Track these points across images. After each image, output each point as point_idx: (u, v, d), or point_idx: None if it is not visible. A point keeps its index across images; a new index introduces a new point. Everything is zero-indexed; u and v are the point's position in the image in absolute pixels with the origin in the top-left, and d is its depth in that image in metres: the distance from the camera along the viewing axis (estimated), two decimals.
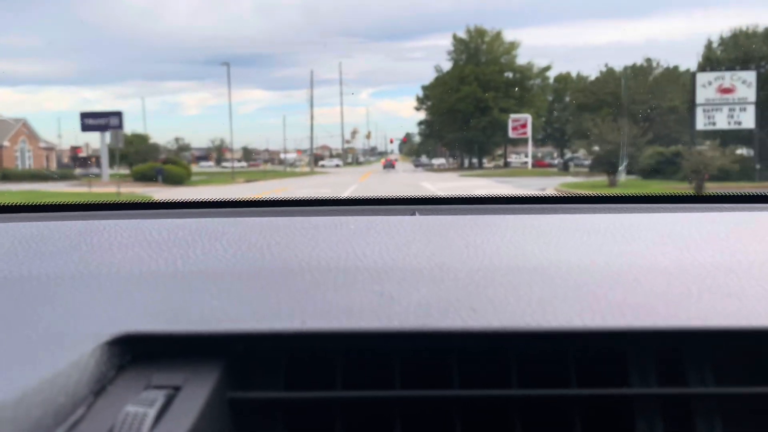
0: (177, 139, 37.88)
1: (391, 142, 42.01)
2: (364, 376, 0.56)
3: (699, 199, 1.22)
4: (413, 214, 1.10)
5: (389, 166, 30.54)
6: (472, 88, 28.50)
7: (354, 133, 37.13)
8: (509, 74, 30.74)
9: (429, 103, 33.29)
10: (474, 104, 28.45)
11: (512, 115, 25.30)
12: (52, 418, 0.46)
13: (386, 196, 1.27)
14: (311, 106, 34.92)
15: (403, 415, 0.54)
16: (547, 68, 31.51)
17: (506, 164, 30.58)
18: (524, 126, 24.10)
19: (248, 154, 42.20)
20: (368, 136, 37.78)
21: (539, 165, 29.14)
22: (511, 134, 24.76)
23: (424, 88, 33.56)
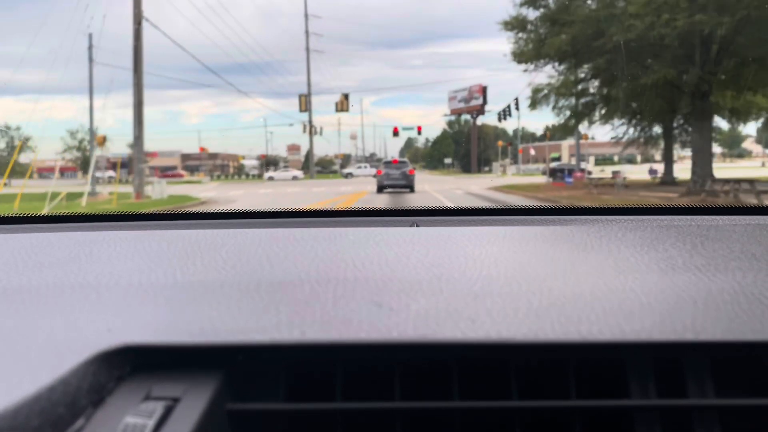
0: None
1: (395, 131, 38.14)
2: (363, 388, 0.56)
3: (699, 210, 1.22)
4: (412, 225, 1.10)
5: (398, 178, 15.46)
6: None
7: (305, 103, 25.49)
8: None
9: None
10: None
11: None
12: (51, 428, 0.46)
13: (386, 208, 1.28)
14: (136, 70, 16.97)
15: (404, 426, 0.54)
16: None
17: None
18: None
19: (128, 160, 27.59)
20: (343, 106, 25.73)
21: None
22: None
23: None
